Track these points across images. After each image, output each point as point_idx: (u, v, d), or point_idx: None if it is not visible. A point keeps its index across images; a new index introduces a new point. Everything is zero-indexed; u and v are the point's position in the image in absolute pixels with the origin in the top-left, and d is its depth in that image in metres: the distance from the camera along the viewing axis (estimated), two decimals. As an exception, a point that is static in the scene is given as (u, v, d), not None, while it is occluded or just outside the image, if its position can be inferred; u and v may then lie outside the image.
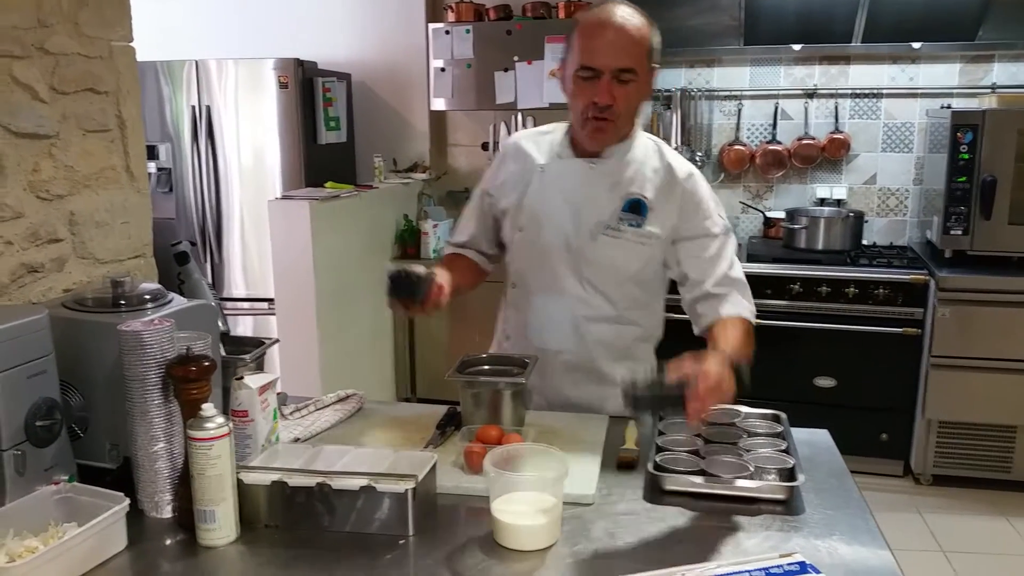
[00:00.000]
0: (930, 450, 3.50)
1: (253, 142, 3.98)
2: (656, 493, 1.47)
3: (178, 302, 1.60)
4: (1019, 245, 3.38)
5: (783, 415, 1.74)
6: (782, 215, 3.96)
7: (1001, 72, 3.83)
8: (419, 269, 1.67)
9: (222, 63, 3.94)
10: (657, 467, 1.49)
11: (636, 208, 1.77)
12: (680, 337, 1.83)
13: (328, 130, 4.07)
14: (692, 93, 4.13)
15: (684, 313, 1.88)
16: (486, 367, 1.75)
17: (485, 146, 4.29)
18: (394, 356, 4.19)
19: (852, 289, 3.50)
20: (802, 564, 1.10)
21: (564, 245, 1.81)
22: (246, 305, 4.10)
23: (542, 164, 1.85)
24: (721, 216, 1.82)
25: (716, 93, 4.13)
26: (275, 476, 1.36)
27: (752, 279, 3.54)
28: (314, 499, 1.34)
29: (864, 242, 3.87)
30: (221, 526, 1.31)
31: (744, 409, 1.76)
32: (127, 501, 1.29)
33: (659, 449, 1.57)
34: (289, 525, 1.35)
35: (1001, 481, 3.47)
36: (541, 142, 1.89)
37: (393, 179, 4.27)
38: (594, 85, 1.67)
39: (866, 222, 3.89)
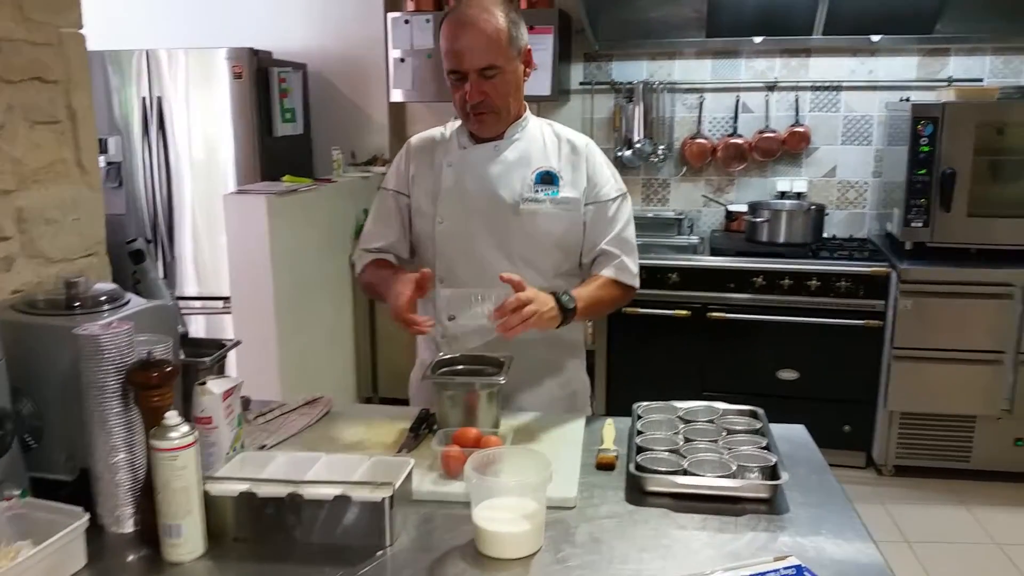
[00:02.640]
0: (892, 441, 3.54)
1: (206, 135, 3.86)
2: (638, 494, 1.44)
3: (136, 303, 1.52)
4: (978, 237, 3.42)
5: (760, 411, 1.72)
6: (744, 208, 3.97)
7: (957, 66, 3.88)
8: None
9: (173, 53, 3.81)
10: (639, 467, 1.46)
11: (548, 179, 1.85)
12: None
13: (284, 122, 3.97)
14: (654, 86, 4.11)
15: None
16: (460, 367, 1.70)
17: (446, 139, 4.21)
18: (355, 354, 4.10)
19: (814, 282, 3.52)
20: (798, 568, 1.07)
21: (488, 228, 1.84)
22: (199, 304, 3.98)
23: (448, 159, 1.88)
24: (616, 180, 1.92)
25: (678, 86, 4.12)
26: (243, 486, 1.29)
27: (715, 273, 3.65)
28: (285, 510, 1.28)
29: (824, 235, 3.90)
30: (187, 540, 1.24)
31: (721, 406, 1.74)
32: (86, 516, 1.21)
33: (639, 449, 1.54)
34: (259, 538, 1.29)
35: (961, 470, 3.52)
36: (441, 139, 1.94)
37: (352, 172, 4.19)
38: (463, 85, 1.75)
39: (826, 215, 3.92)
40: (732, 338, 3.63)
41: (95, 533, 1.28)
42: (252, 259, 3.31)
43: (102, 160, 3.82)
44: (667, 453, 1.52)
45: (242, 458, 1.44)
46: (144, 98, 3.84)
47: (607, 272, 1.86)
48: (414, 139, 1.99)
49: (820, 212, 3.84)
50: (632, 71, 4.15)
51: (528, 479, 1.28)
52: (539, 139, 1.89)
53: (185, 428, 1.24)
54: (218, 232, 3.58)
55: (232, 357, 3.48)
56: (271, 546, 1.27)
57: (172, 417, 1.24)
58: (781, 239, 3.77)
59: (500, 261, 1.83)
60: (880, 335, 3.51)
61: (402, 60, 3.97)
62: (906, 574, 2.86)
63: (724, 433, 1.60)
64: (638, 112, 4.10)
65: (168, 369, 1.29)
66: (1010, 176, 3.45)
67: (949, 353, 3.40)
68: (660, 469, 1.46)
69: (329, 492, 1.27)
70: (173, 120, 3.85)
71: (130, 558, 1.27)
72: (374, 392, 4.18)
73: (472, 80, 1.74)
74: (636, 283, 1.91)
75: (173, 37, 4.06)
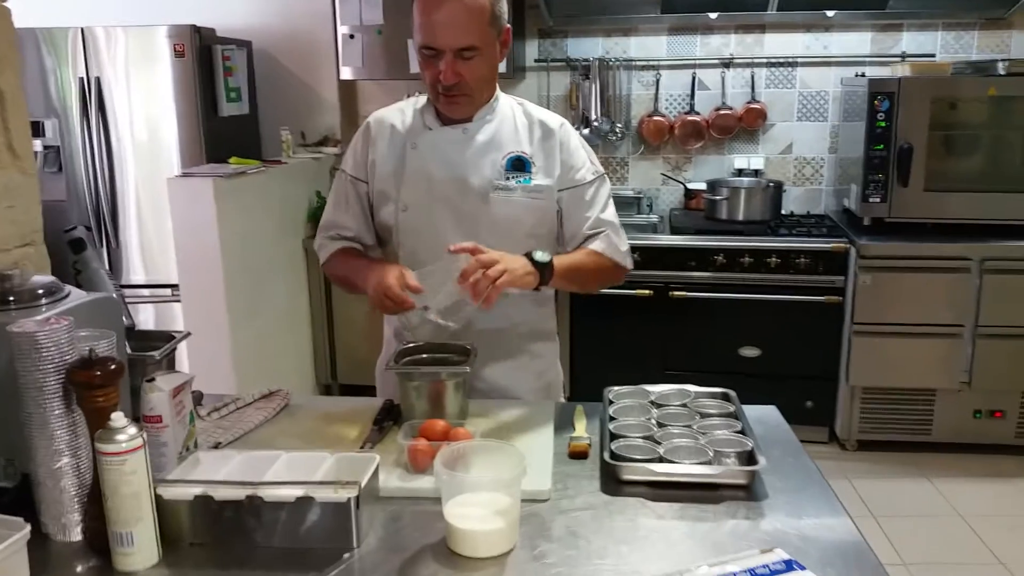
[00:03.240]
0: (855, 416, 3.56)
1: (148, 116, 3.70)
2: (613, 484, 1.39)
3: (76, 296, 1.42)
4: (935, 211, 3.44)
5: (732, 393, 1.69)
6: (703, 186, 3.95)
7: (910, 41, 3.89)
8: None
9: (111, 31, 3.64)
10: (613, 456, 1.41)
11: (520, 165, 1.74)
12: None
13: (229, 101, 3.83)
14: (610, 63, 4.05)
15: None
16: (424, 355, 1.64)
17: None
18: (312, 341, 4.00)
19: (774, 259, 3.51)
20: (788, 562, 1.03)
21: (455, 216, 1.73)
22: (147, 292, 3.84)
23: (414, 140, 1.76)
24: (593, 162, 1.82)
25: (634, 63, 4.07)
26: (198, 490, 1.21)
27: (676, 251, 3.62)
28: (244, 513, 1.21)
29: (783, 212, 3.89)
30: (140, 549, 1.16)
31: (692, 388, 1.70)
32: (27, 527, 1.12)
33: (612, 436, 1.49)
34: (217, 543, 1.22)
35: (922, 443, 3.55)
36: (404, 117, 1.80)
37: (302, 154, 4.07)
38: (437, 62, 1.62)
39: (784, 192, 3.91)
40: (694, 316, 3.61)
41: (39, 542, 1.20)
42: (200, 245, 3.19)
43: (39, 144, 3.65)
44: (641, 440, 1.48)
45: (195, 458, 1.36)
46: (82, 78, 3.66)
47: (592, 246, 1.77)
48: (374, 117, 1.84)
49: (778, 189, 3.83)
50: (588, 47, 4.09)
51: (502, 475, 1.22)
52: (510, 120, 1.77)
53: (133, 430, 1.16)
54: (164, 217, 3.44)
55: (183, 348, 3.38)
56: (230, 551, 1.20)
57: (118, 419, 1.16)
58: (740, 217, 3.76)
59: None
60: (840, 311, 3.53)
61: (351, 36, 3.85)
62: (875, 550, 2.88)
63: (697, 417, 1.57)
64: (595, 89, 4.04)
65: (112, 367, 1.20)
66: (964, 150, 3.48)
67: (908, 327, 3.43)
68: (635, 457, 1.41)
69: (291, 493, 1.20)
70: (113, 101, 3.69)
71: (79, 569, 1.19)
72: (333, 379, 4.08)
73: (448, 60, 1.60)
74: (627, 262, 1.82)
75: (110, 14, 3.88)
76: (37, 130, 3.65)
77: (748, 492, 1.37)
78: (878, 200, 3.45)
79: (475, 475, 1.24)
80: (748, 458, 1.42)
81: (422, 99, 1.79)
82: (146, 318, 3.81)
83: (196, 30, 3.66)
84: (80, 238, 1.74)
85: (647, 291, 3.60)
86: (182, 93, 3.66)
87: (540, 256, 1.59)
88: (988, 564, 2.84)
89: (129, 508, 1.16)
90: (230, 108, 3.84)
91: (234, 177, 3.31)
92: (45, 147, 3.68)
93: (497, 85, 1.79)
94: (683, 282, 3.59)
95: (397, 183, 1.76)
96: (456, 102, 1.68)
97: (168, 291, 3.75)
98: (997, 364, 3.42)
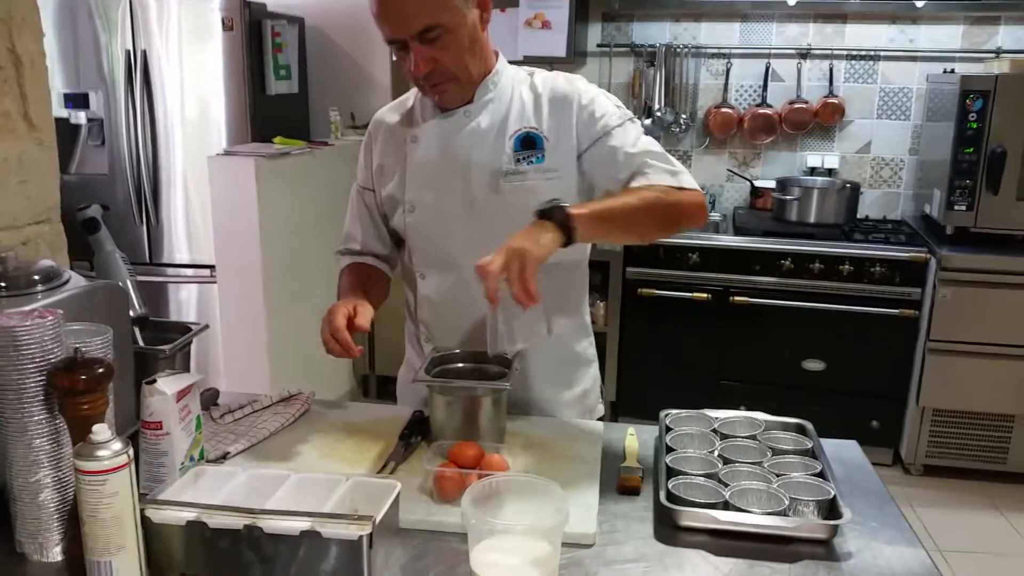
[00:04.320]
0: (923, 439, 3.31)
1: (194, 91, 3.58)
2: (669, 529, 1.20)
3: (74, 284, 1.28)
4: (1025, 223, 3.17)
5: (809, 425, 1.48)
6: (771, 184, 3.70)
7: (1007, 35, 3.58)
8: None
9: (161, 2, 3.53)
10: (671, 497, 1.22)
11: (529, 143, 1.52)
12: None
13: (278, 79, 3.69)
14: (677, 50, 3.82)
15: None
16: (460, 365, 1.46)
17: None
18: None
19: (847, 266, 3.26)
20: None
21: (464, 210, 1.54)
22: (189, 272, 3.73)
23: (413, 133, 1.56)
24: (618, 106, 1.55)
25: (703, 50, 3.83)
26: (191, 514, 1.05)
27: (739, 254, 3.39)
28: (242, 545, 1.04)
29: (857, 216, 3.63)
30: (120, 582, 1.01)
31: (762, 417, 1.49)
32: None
33: (669, 471, 1.30)
34: (211, 575, 1.06)
35: (996, 472, 3.30)
36: (403, 111, 1.64)
37: (351, 136, 3.91)
38: (407, 54, 1.43)
39: (860, 194, 3.65)
40: (755, 324, 3.38)
41: (13, 561, 1.08)
42: (239, 228, 3.06)
43: (83, 116, 3.56)
44: (703, 479, 1.28)
45: (196, 473, 1.20)
46: (128, 50, 3.56)
47: (634, 183, 1.46)
48: (376, 115, 1.68)
49: (855, 191, 3.57)
50: (654, 33, 3.86)
51: (541, 521, 1.03)
52: (516, 94, 1.55)
53: (117, 445, 1.01)
54: (208, 196, 3.33)
55: (215, 336, 3.27)
56: (224, 588, 1.04)
57: (101, 431, 1.01)
58: (812, 219, 3.51)
59: (482, 251, 1.49)
60: (915, 325, 3.27)
61: (407, 15, 3.68)
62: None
63: (769, 453, 1.37)
64: (659, 77, 3.82)
65: (100, 370, 1.05)
66: (1062, 158, 3.18)
67: (988, 347, 3.17)
68: (696, 500, 1.22)
69: (295, 526, 1.03)
70: (161, 74, 3.57)
71: (55, 595, 1.04)
72: (371, 370, 3.95)
73: (414, 48, 1.40)
74: (691, 183, 1.47)
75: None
76: (83, 102, 3.56)
77: (828, 550, 1.17)
78: (964, 208, 3.17)
79: (509, 519, 1.06)
80: (829, 508, 1.22)
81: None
82: (189, 298, 3.72)
83: (246, 4, 3.52)
84: (94, 217, 1.61)
85: (705, 294, 3.38)
86: (230, 69, 3.53)
87: (543, 205, 1.33)
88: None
89: (109, 534, 1.01)
90: (279, 86, 3.71)
91: (277, 158, 3.18)
92: (89, 120, 3.59)
93: (498, 54, 1.58)
94: (746, 287, 3.36)
95: (401, 184, 1.59)
96: (443, 89, 1.48)
97: (208, 272, 3.64)
98: (1083, 391, 3.14)
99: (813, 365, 3.38)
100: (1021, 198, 3.13)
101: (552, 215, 1.31)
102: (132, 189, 3.63)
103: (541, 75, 1.58)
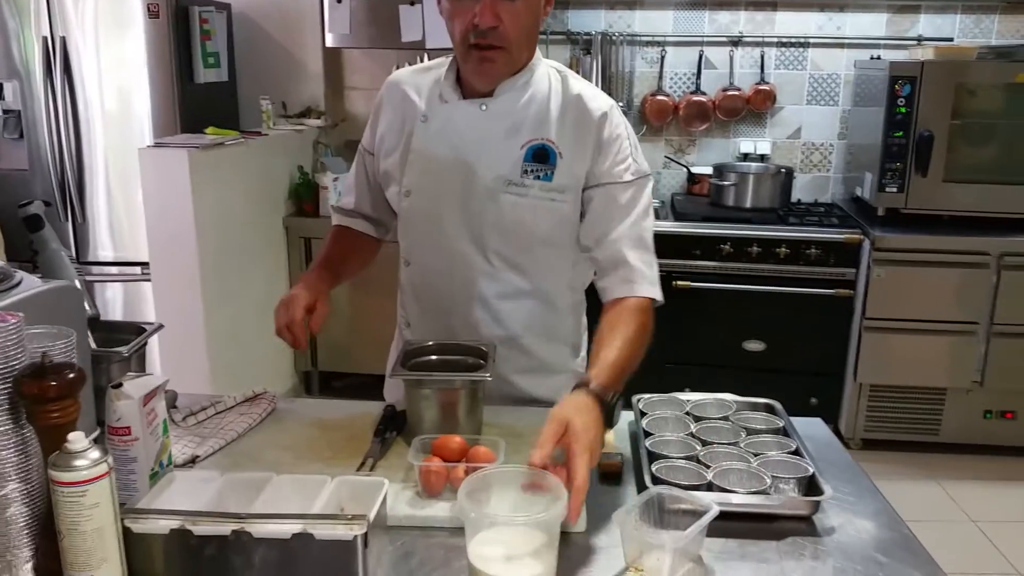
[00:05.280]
0: (860, 414, 3.42)
1: (118, 80, 3.43)
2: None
3: (28, 285, 1.20)
4: (953, 203, 3.28)
5: (778, 405, 1.51)
6: (708, 171, 3.76)
7: (927, 24, 3.71)
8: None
9: (78, -13, 3.37)
10: (655, 480, 1.22)
11: (542, 156, 1.46)
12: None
13: (206, 67, 3.57)
14: (613, 37, 3.84)
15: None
16: (434, 358, 1.43)
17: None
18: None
19: (784, 249, 3.33)
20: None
21: (461, 212, 1.49)
22: (115, 270, 3.58)
23: (424, 111, 1.50)
24: (637, 160, 1.51)
25: (638, 38, 3.85)
26: (175, 523, 1.01)
27: (680, 239, 3.42)
28: (230, 551, 1.00)
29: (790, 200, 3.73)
30: (102, 596, 0.96)
31: (731, 398, 1.52)
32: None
33: (651, 456, 1.30)
34: (196, 585, 1.01)
35: (930, 444, 3.42)
36: (423, 82, 1.55)
37: (284, 125, 3.82)
38: (473, 5, 1.35)
39: (793, 178, 3.74)
40: (697, 307, 3.43)
41: None
42: (173, 222, 2.95)
43: (-4, 108, 3.39)
44: (684, 461, 1.29)
45: (171, 479, 1.15)
46: (46, 38, 3.39)
47: (619, 291, 1.45)
48: (389, 79, 1.60)
49: (789, 176, 3.66)
50: (590, 20, 3.87)
51: (541, 512, 1.02)
52: (543, 96, 1.47)
53: (96, 453, 0.95)
54: (135, 190, 3.19)
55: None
56: (211, 597, 1.00)
57: (77, 440, 0.95)
58: (748, 204, 3.57)
59: (473, 257, 1.49)
60: (850, 305, 3.36)
61: (338, 1, 3.60)
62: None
63: (743, 434, 1.38)
64: (596, 65, 3.83)
65: (71, 376, 0.99)
66: (985, 140, 3.31)
67: (921, 324, 3.28)
68: (681, 483, 1.23)
69: (286, 529, 1.00)
70: (81, 63, 3.41)
71: (24, 619, 0.98)
72: (313, 366, 3.86)
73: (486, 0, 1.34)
74: (657, 294, 1.48)
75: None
76: (-7, 92, 3.39)
77: (810, 525, 1.20)
78: (895, 190, 3.28)
79: (506, 510, 1.05)
80: (808, 484, 1.25)
81: (448, 61, 1.53)
82: (114, 298, 3.57)
83: (172, -11, 3.39)
84: (37, 214, 1.52)
85: (648, 280, 3.41)
86: (156, 57, 3.39)
87: (616, 409, 1.26)
88: (1003, 572, 2.71)
89: (91, 548, 0.96)
90: (207, 74, 3.59)
91: (211, 148, 3.07)
92: (4, 111, 3.41)
93: (538, 50, 1.52)
94: (687, 271, 3.40)
95: (402, 162, 1.53)
96: (490, 58, 1.39)
97: (138, 269, 3.50)
98: (1011, 364, 3.28)
99: (754, 346, 3.45)
100: (947, 179, 3.25)
101: (599, 396, 1.21)
102: (55, 185, 3.47)
103: (574, 80, 1.52)
